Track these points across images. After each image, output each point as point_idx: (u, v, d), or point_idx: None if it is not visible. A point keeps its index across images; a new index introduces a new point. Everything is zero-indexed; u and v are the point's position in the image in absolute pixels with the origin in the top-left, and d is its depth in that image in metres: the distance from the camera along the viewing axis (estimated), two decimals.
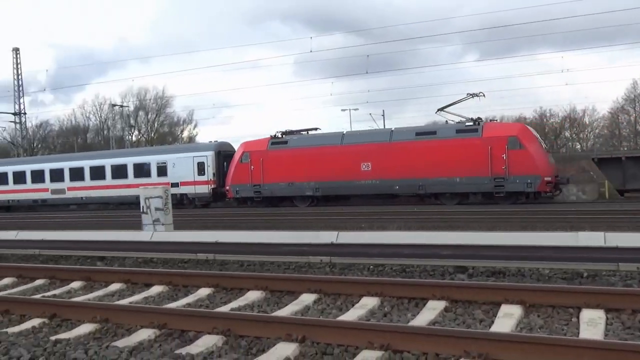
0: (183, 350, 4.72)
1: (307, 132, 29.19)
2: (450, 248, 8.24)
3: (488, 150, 23.24)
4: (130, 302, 6.98)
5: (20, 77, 52.03)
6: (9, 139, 58.45)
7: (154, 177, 30.73)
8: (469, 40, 71.04)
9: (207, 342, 5.07)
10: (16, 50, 52.10)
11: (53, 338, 5.14)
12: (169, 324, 5.57)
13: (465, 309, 6.03)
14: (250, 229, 14.78)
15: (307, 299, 6.71)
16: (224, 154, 30.32)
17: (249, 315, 5.72)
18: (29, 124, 59.66)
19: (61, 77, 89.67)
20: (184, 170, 30.10)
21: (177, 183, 29.94)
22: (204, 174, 29.79)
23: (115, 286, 8.09)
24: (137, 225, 14.47)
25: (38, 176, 34.31)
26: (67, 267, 9.81)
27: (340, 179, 25.96)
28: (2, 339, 4.94)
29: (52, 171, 33.96)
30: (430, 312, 5.88)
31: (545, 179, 22.76)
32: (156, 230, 12.86)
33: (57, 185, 33.65)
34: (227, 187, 28.86)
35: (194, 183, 29.99)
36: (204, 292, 7.40)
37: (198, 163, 29.97)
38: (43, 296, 7.65)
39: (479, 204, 23.73)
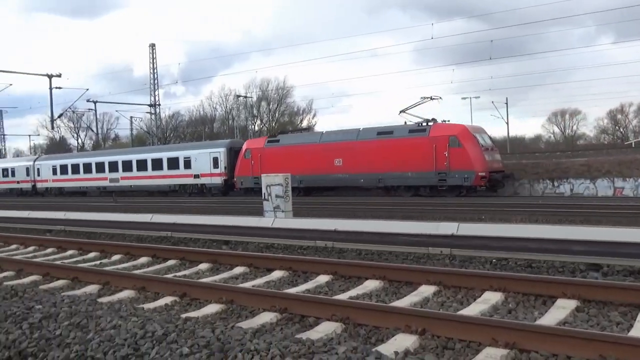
0: (303, 335, 4.79)
1: (302, 132, 32.71)
2: (582, 244, 7.68)
3: (433, 148, 25.77)
4: (253, 286, 7.25)
5: (155, 71, 55.77)
6: (146, 129, 63.02)
7: (182, 170, 35.39)
8: (602, 21, 65.81)
9: (326, 328, 5.14)
10: (152, 46, 55.81)
11: (183, 316, 5.43)
12: (289, 309, 5.72)
13: (599, 310, 5.61)
14: (367, 217, 14.79)
15: (426, 290, 6.59)
16: (234, 150, 33.90)
17: (368, 304, 5.71)
18: (162, 115, 64.28)
19: (191, 70, 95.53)
20: (203, 164, 34.38)
21: (199, 175, 34.45)
22: (217, 167, 33.94)
23: (239, 269, 8.47)
24: (258, 212, 15.03)
25: (100, 167, 40.38)
26: (196, 249, 10.42)
27: (318, 172, 29.38)
28: (139, 314, 5.31)
29: (109, 163, 39.83)
30: (559, 311, 5.54)
31: (480, 174, 24.77)
32: (277, 217, 13.28)
33: (113, 175, 39.47)
34: (235, 179, 33.02)
35: (211, 175, 34.19)
36: (322, 279, 7.52)
37: (213, 158, 34.08)
38: (175, 276, 8.17)
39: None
